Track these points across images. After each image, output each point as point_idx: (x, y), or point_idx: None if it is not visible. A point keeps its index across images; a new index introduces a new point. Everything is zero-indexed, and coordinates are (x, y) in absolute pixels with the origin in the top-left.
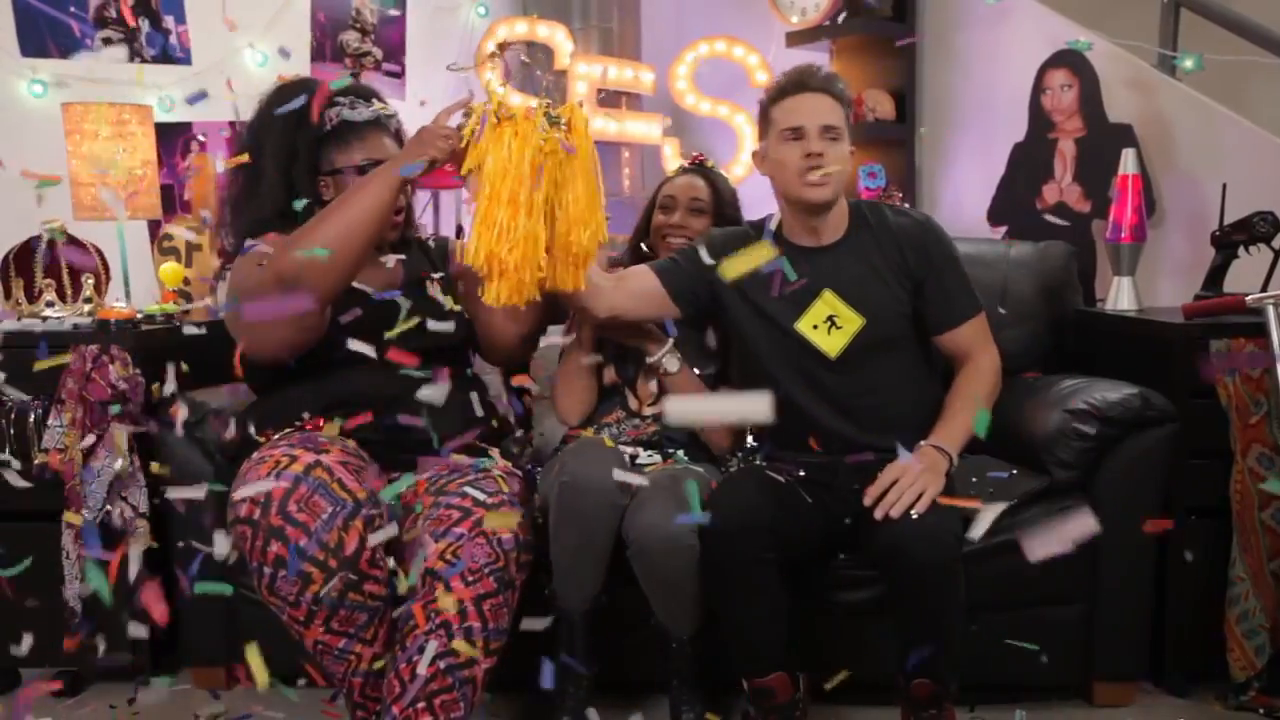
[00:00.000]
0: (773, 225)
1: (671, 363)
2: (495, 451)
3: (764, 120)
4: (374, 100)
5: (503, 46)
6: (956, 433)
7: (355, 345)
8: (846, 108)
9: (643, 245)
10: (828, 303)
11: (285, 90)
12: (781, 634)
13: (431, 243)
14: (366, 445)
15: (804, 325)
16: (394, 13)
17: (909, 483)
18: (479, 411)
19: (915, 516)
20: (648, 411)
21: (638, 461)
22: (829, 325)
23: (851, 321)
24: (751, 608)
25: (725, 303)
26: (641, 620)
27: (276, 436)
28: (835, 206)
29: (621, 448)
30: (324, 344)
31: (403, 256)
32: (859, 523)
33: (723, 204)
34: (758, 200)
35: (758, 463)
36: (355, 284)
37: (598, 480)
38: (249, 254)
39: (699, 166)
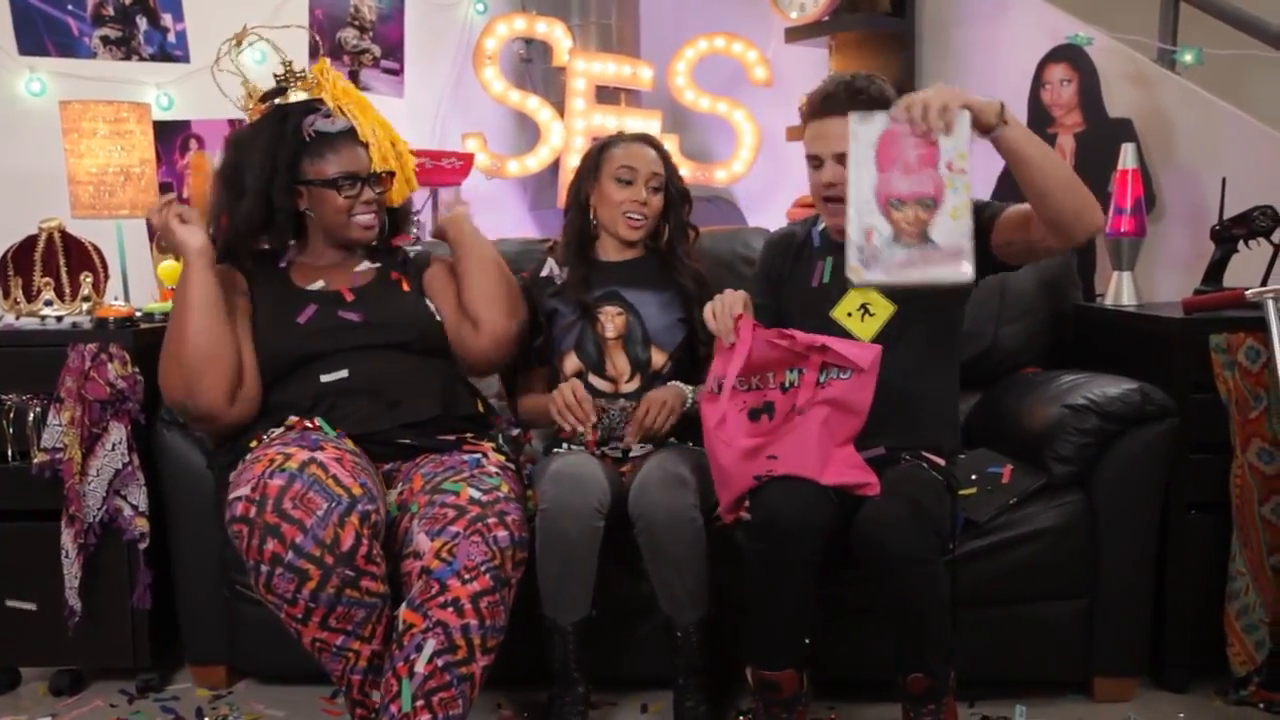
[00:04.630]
0: (820, 226)
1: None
2: (490, 448)
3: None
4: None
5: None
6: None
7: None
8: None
9: (589, 219)
10: (861, 291)
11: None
12: (805, 632)
13: (412, 253)
14: (360, 440)
15: (839, 313)
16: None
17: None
18: (460, 397)
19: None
20: (627, 388)
21: (630, 455)
22: (862, 313)
23: (884, 308)
24: (788, 605)
25: (782, 298)
26: (647, 614)
27: (272, 436)
28: None
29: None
30: (287, 346)
31: (378, 264)
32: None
33: (673, 176)
34: (757, 195)
35: None
36: (323, 287)
37: (577, 507)
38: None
39: (648, 136)
